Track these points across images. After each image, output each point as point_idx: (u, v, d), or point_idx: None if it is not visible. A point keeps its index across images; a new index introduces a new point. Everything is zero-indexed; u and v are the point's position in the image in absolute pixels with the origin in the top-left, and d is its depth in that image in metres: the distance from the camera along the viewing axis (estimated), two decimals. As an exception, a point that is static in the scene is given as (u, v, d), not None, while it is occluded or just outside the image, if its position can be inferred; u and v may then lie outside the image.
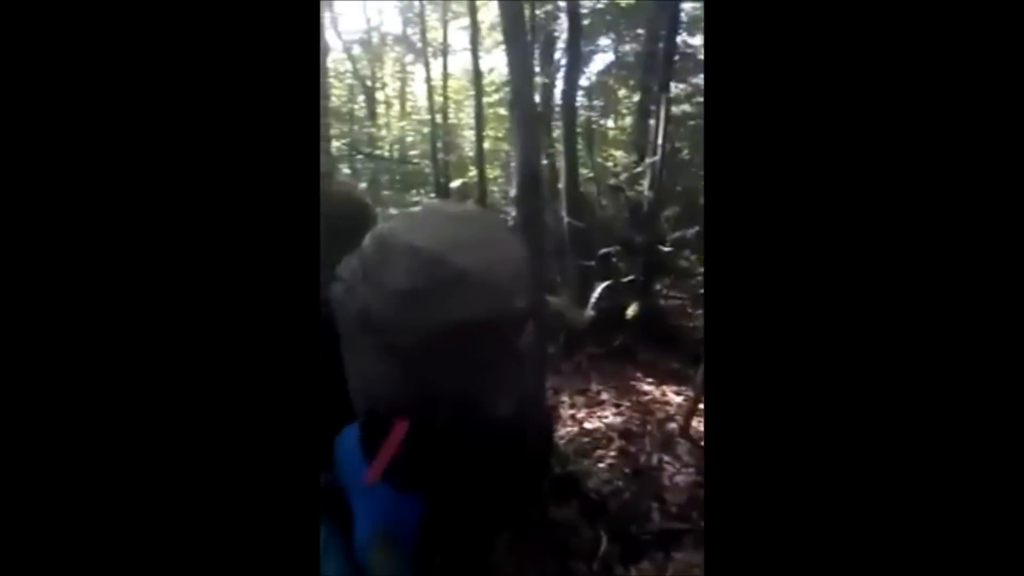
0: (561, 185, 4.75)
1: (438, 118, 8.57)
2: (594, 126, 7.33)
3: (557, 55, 6.27)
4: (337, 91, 9.66)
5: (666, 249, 3.67)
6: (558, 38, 6.26)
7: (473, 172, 7.89)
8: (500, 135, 9.64)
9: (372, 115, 9.92)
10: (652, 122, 4.46)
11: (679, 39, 5.00)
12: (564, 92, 5.01)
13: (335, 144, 8.21)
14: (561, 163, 4.91)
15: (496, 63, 8.75)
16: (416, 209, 0.88)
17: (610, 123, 8.31)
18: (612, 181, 5.01)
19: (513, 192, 3.76)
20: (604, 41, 7.15)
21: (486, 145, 7.63)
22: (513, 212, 3.87)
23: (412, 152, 9.41)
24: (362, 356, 0.81)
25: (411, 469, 0.76)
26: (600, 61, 7.30)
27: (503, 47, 3.89)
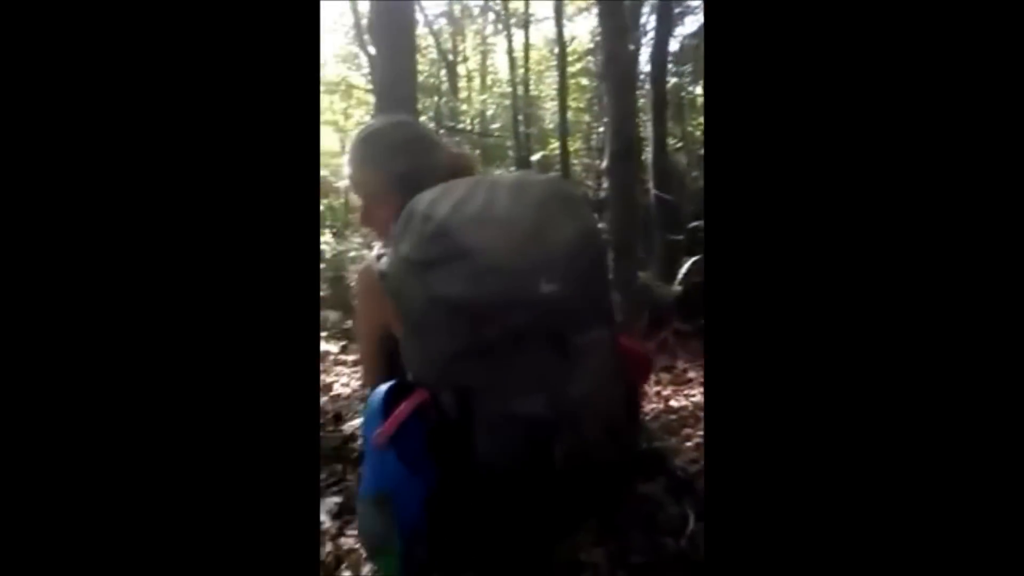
0: (647, 156, 4.61)
1: (519, 90, 8.53)
2: (683, 93, 7.01)
3: (643, 19, 6.02)
4: (420, 65, 9.82)
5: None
6: (645, 1, 6.00)
7: (554, 144, 7.82)
8: (581, 105, 9.46)
9: (454, 89, 10.02)
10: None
11: None
12: (652, 56, 4.82)
13: (422, 119, 8.38)
14: (647, 132, 4.76)
15: (578, 31, 8.55)
16: (469, 178, 0.83)
17: (699, 90, 7.93)
18: (702, 151, 4.81)
19: (597, 163, 3.69)
20: (694, 2, 6.78)
21: (567, 116, 7.52)
22: (591, 183, 3.81)
23: (493, 126, 9.44)
24: (396, 320, 0.81)
25: (415, 443, 0.74)
26: (690, 24, 6.92)
27: (585, 15, 3.78)
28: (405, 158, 0.95)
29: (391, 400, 0.74)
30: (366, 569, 1.90)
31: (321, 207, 6.24)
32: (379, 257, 0.82)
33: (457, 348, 0.73)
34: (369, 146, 0.97)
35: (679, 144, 5.28)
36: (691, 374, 2.99)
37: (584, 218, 0.80)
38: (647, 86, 4.82)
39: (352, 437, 2.64)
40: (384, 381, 0.96)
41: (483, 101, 10.06)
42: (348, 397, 3.06)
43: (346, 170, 1.00)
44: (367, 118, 9.69)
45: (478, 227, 0.73)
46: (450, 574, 0.78)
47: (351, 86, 8.64)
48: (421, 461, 0.74)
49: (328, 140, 9.87)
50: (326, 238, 6.16)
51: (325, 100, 9.20)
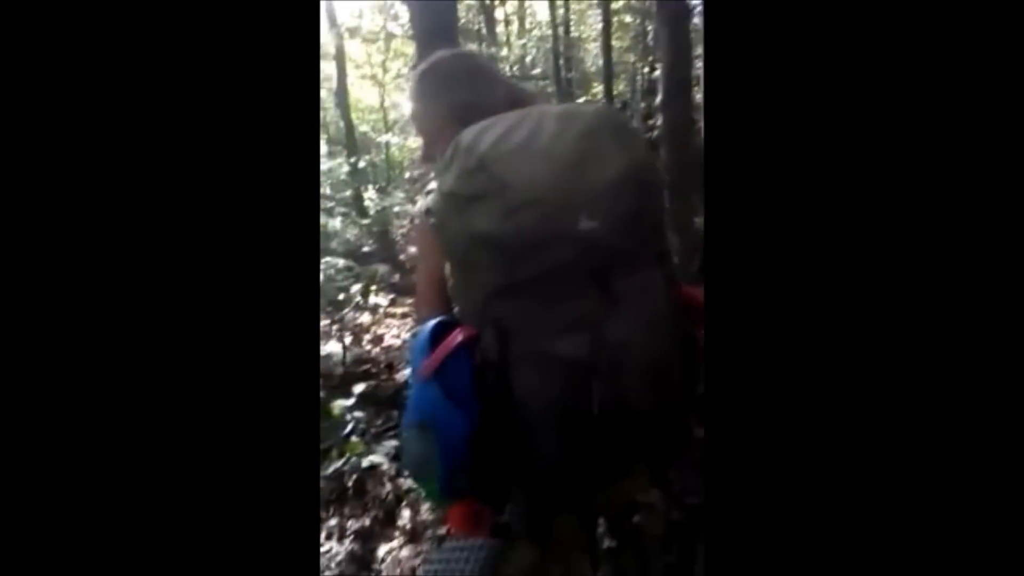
0: (699, 96, 4.42)
1: (560, 32, 8.24)
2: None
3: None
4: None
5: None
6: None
7: (597, 88, 7.58)
8: (625, 44, 9.07)
9: (492, 34, 9.76)
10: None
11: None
12: (704, -12, 4.55)
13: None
14: (699, 71, 4.55)
15: (622, -37, 8.11)
16: (520, 110, 0.79)
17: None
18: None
19: (644, 105, 3.55)
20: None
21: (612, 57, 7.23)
22: (638, 125, 3.68)
23: (534, 71, 9.20)
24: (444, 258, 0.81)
25: (459, 378, 0.75)
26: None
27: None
28: (465, 90, 0.93)
29: (438, 335, 0.76)
30: (424, 507, 2.01)
31: (363, 163, 6.29)
32: (427, 194, 0.82)
33: (496, 285, 0.73)
34: (429, 78, 0.95)
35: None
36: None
37: (634, 151, 0.75)
38: (699, 19, 4.57)
39: (405, 385, 2.75)
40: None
41: (523, 46, 9.78)
42: (399, 348, 3.17)
43: (408, 106, 0.99)
44: (405, 70, 9.59)
45: (517, 160, 0.70)
46: (491, 504, 0.81)
47: (390, 35, 8.53)
48: (465, 396, 0.75)
49: (367, 94, 9.85)
50: (369, 194, 6.25)
51: (362, 52, 9.14)
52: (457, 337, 0.75)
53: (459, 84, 0.93)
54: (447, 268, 0.83)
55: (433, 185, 0.79)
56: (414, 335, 0.79)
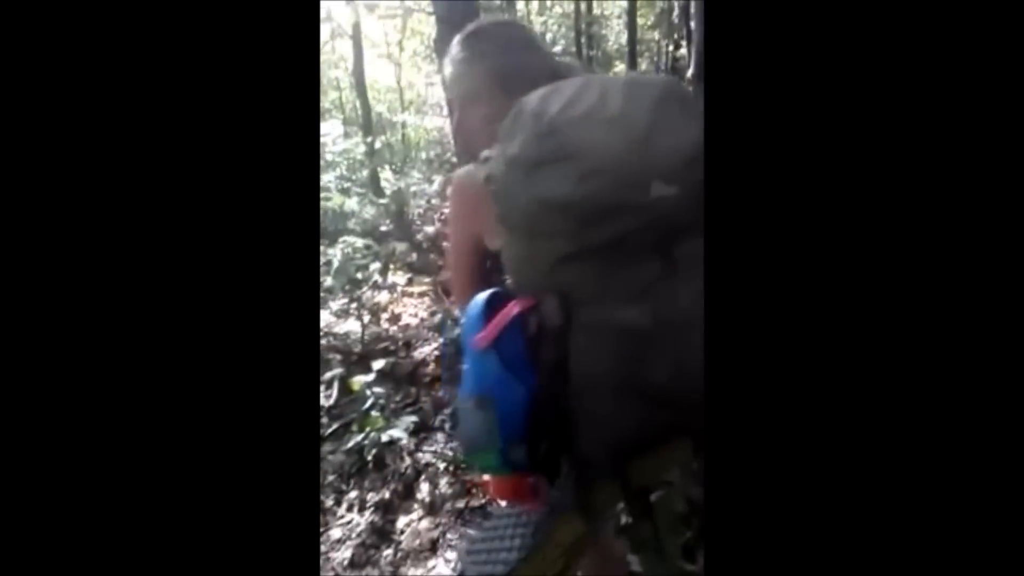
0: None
1: (582, 8, 8.13)
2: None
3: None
4: (475, -12, 9.49)
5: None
6: None
7: (620, 67, 7.48)
8: (649, 22, 8.93)
9: (512, 10, 9.67)
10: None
11: None
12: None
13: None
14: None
15: (648, -64, 7.96)
16: (579, 77, 0.79)
17: None
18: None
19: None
20: None
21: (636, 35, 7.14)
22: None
23: (555, 48, 9.12)
24: (498, 227, 0.80)
25: (515, 349, 0.75)
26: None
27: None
28: (509, 56, 0.93)
29: (491, 306, 0.76)
30: (443, 480, 2.05)
31: (379, 143, 6.31)
32: (484, 159, 0.81)
33: (561, 252, 0.73)
34: (473, 43, 0.95)
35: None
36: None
37: (700, 122, 0.74)
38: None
39: (423, 363, 2.79)
40: (477, 293, 1.01)
41: (543, 23, 9.68)
42: (417, 326, 3.20)
43: (445, 70, 0.99)
44: (422, 48, 9.56)
45: (589, 126, 0.70)
46: (548, 476, 0.81)
47: (408, 10, 8.49)
48: (521, 366, 0.75)
49: (382, 74, 9.84)
50: (386, 174, 6.27)
51: (379, 31, 9.12)
52: (515, 307, 0.75)
53: (504, 52, 0.93)
54: (497, 238, 0.83)
55: (489, 153, 0.79)
56: (471, 302, 0.79)
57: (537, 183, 0.71)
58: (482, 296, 0.78)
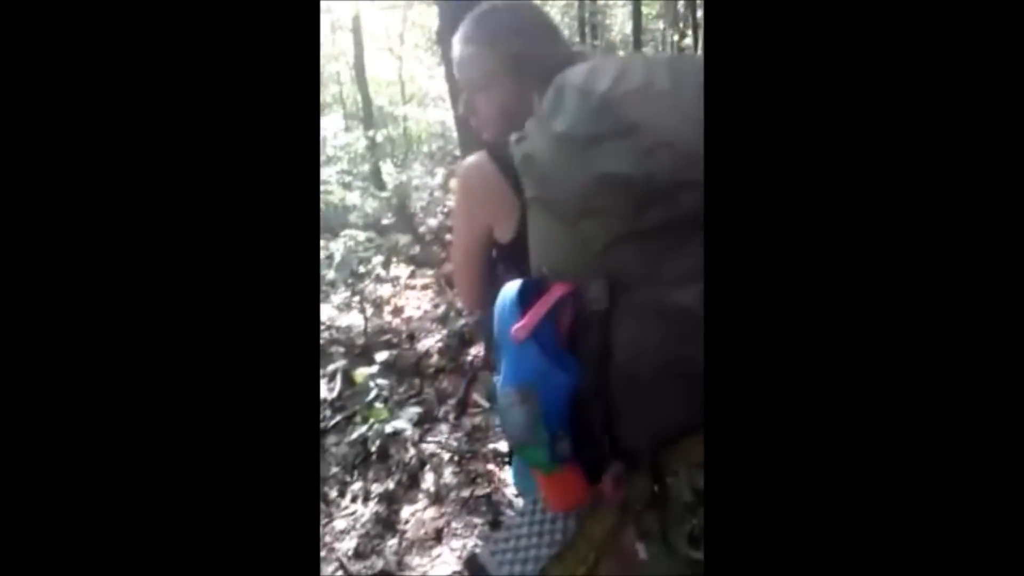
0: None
1: (584, -2, 8.11)
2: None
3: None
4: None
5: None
6: None
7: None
8: (654, 12, 8.90)
9: None
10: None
11: None
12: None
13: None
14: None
15: (651, -77, 7.93)
16: (615, 56, 0.78)
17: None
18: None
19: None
20: None
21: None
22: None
23: (556, 40, 9.08)
24: (531, 210, 0.78)
25: (552, 337, 0.72)
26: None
27: None
28: (523, 40, 0.90)
29: (525, 295, 0.74)
30: (448, 471, 2.07)
31: (380, 137, 6.31)
32: (518, 140, 0.77)
33: (617, 232, 0.70)
34: (486, 24, 0.93)
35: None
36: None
37: None
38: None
39: (426, 354, 2.80)
40: (483, 289, 0.96)
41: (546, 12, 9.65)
42: (420, 319, 3.22)
43: (454, 51, 0.96)
44: (423, 39, 9.54)
45: (645, 101, 0.68)
46: (593, 468, 0.78)
47: (410, 1, 8.48)
48: (560, 355, 0.73)
49: (382, 68, 9.84)
50: (387, 168, 6.28)
51: (380, 24, 9.12)
52: (556, 293, 0.73)
53: (518, 34, 0.91)
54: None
55: (522, 133, 0.76)
56: (501, 292, 0.77)
57: (595, 160, 0.68)
58: (514, 285, 0.75)
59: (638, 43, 6.81)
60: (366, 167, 5.83)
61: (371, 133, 5.93)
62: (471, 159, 0.90)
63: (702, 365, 0.70)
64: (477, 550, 1.09)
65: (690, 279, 0.70)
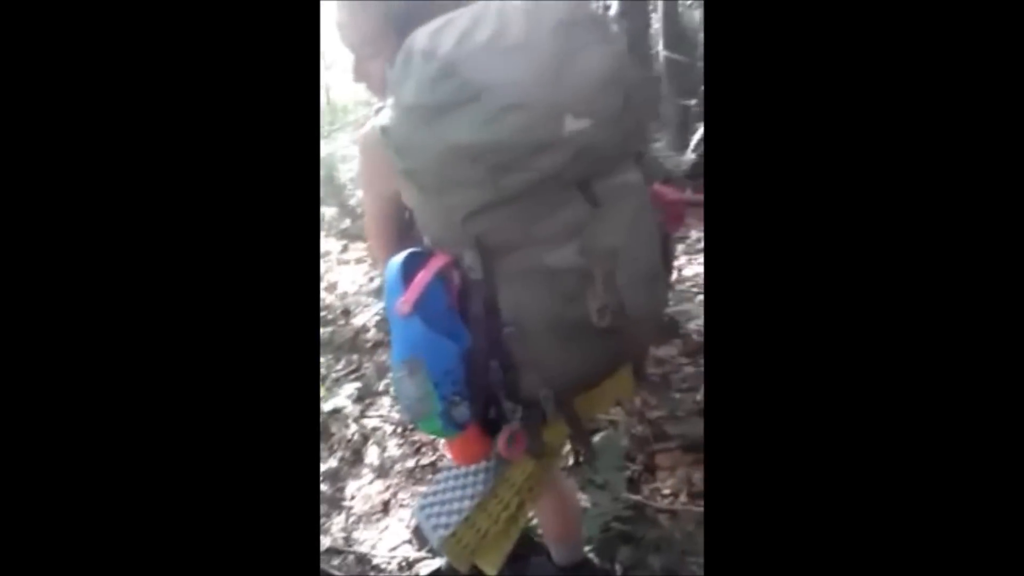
0: (657, 12, 4.38)
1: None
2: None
3: None
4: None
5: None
6: None
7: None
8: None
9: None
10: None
11: None
12: None
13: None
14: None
15: None
16: (472, 4, 0.72)
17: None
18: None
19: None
20: None
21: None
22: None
23: None
24: (401, 182, 0.76)
25: (439, 307, 0.74)
26: None
27: None
28: None
29: (409, 268, 0.74)
30: (392, 443, 2.07)
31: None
32: (378, 111, 0.76)
33: (478, 202, 0.69)
34: None
35: (691, 2, 5.00)
36: (703, 244, 3.03)
37: (614, 43, 0.72)
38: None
39: (363, 329, 2.77)
40: (397, 252, 0.98)
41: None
42: (355, 293, 3.17)
43: (335, 15, 0.92)
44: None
45: (490, 59, 0.65)
46: (491, 427, 0.81)
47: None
48: (448, 324, 0.74)
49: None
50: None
51: None
52: (433, 266, 0.73)
53: None
54: (406, 194, 0.80)
55: (383, 103, 0.74)
56: (388, 266, 0.77)
57: (441, 131, 0.66)
58: (398, 259, 0.75)
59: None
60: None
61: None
62: (368, 125, 0.88)
63: (587, 318, 0.75)
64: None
65: (562, 239, 0.73)
